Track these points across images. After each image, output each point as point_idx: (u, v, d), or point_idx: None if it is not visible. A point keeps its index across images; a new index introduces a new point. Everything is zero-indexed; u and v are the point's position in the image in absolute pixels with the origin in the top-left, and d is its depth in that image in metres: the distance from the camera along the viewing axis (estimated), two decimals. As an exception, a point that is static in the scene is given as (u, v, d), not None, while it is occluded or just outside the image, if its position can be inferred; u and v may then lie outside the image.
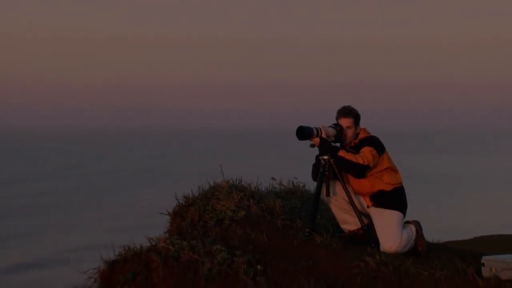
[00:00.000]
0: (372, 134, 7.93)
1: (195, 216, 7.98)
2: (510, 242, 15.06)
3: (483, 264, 6.95)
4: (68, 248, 27.68)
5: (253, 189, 8.62)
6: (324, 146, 7.65)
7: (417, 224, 7.80)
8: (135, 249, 7.23)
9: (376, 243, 7.57)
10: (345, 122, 7.79)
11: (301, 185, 9.49)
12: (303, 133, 7.60)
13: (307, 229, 7.66)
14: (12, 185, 56.24)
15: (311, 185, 9.38)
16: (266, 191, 9.03)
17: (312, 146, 7.76)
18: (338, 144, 7.85)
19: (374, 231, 7.67)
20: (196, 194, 8.47)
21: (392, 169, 7.77)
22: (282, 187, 9.36)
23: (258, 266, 6.99)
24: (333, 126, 7.80)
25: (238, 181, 8.70)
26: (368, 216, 7.82)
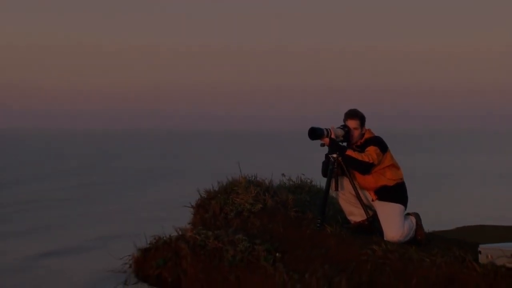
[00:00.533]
0: (376, 134, 7.97)
1: (216, 209, 8.04)
2: (489, 231, 15.07)
3: (480, 252, 7.02)
4: (94, 237, 27.50)
5: (268, 184, 8.64)
6: (333, 146, 7.72)
7: (417, 216, 7.89)
8: (165, 238, 7.28)
9: (380, 233, 7.63)
10: (352, 123, 7.86)
11: (308, 180, 9.49)
12: (315, 133, 7.67)
13: (319, 220, 7.74)
14: (45, 179, 56.08)
15: (318, 181, 9.50)
16: (277, 186, 9.00)
17: (322, 145, 7.81)
18: (345, 144, 7.88)
19: (378, 222, 7.73)
20: (216, 189, 8.47)
21: (394, 166, 7.85)
22: (291, 182, 9.35)
23: (277, 254, 7.08)
24: (341, 127, 7.86)
25: (254, 177, 8.72)
26: (372, 209, 7.84)
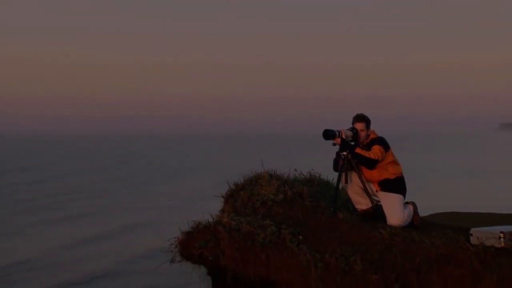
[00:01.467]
0: (379, 135, 8.04)
1: (245, 198, 8.10)
2: (463, 217, 15.18)
3: (471, 234, 7.12)
4: (134, 223, 27.42)
5: (286, 178, 8.67)
6: (344, 145, 7.80)
7: (414, 204, 8.01)
8: (204, 223, 7.31)
9: (383, 219, 7.74)
10: (359, 126, 7.95)
11: (317, 175, 9.52)
12: (328, 134, 7.76)
13: (332, 209, 7.82)
14: (82, 174, 56.10)
15: (325, 175, 9.55)
16: (292, 179, 9.03)
17: (334, 144, 7.91)
18: (353, 143, 7.93)
19: (382, 210, 7.82)
20: (243, 182, 8.51)
21: (395, 162, 7.95)
22: (302, 176, 9.38)
23: (300, 237, 7.15)
24: (350, 129, 7.96)
25: (274, 172, 8.76)
26: (376, 199, 7.95)
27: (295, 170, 9.47)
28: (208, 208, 8.33)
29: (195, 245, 7.08)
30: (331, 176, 9.13)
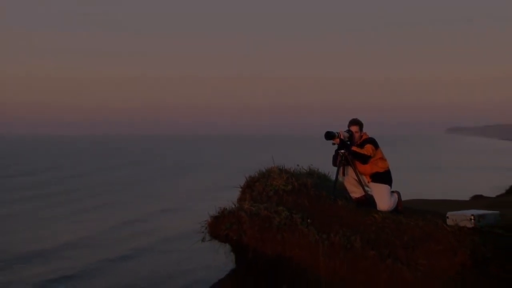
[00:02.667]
0: (370, 136, 8.03)
1: (260, 188, 8.10)
2: (431, 204, 15.08)
3: (448, 217, 7.10)
4: (163, 209, 27.27)
5: (293, 172, 8.60)
6: (342, 144, 7.73)
7: (398, 193, 8.01)
8: (229, 209, 7.24)
9: (374, 205, 7.72)
10: (354, 128, 7.94)
11: (316, 169, 9.43)
12: (329, 135, 7.76)
13: (332, 197, 7.73)
14: (109, 170, 55.94)
15: (323, 169, 9.46)
16: (297, 173, 8.94)
17: (333, 144, 7.86)
18: (349, 143, 7.87)
19: (372, 198, 7.78)
20: (257, 175, 8.43)
21: (383, 158, 7.94)
22: (303, 170, 9.30)
23: (308, 220, 7.11)
24: (346, 131, 7.90)
25: (282, 167, 8.68)
26: (368, 188, 7.91)
27: (298, 165, 9.40)
28: (226, 197, 8.35)
29: (222, 227, 7.10)
30: (327, 170, 9.11)
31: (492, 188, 28.83)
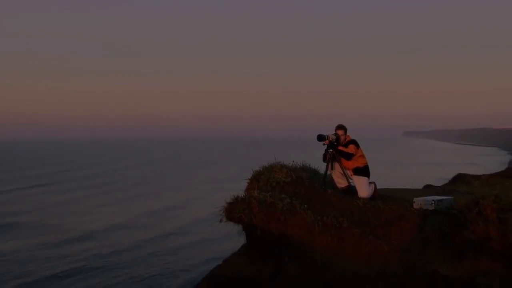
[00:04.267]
0: (352, 138, 7.88)
1: (265, 180, 7.89)
2: (395, 192, 14.79)
3: (414, 202, 6.92)
4: (187, 198, 26.99)
5: (291, 166, 8.37)
6: (331, 144, 7.60)
7: (375, 184, 7.89)
8: (241, 196, 7.05)
9: (356, 193, 7.58)
10: (340, 132, 7.83)
11: (309, 164, 9.18)
12: (321, 137, 7.62)
13: (323, 187, 7.58)
14: (136, 168, 55.50)
15: (314, 165, 9.23)
16: (294, 168, 8.69)
17: (324, 144, 7.69)
18: (336, 143, 7.71)
19: (354, 187, 7.64)
20: (262, 169, 8.21)
21: (363, 156, 7.84)
22: (298, 166, 9.05)
23: (305, 205, 6.96)
24: (334, 134, 7.75)
25: (283, 163, 8.45)
26: (351, 180, 7.76)
27: (293, 161, 9.19)
28: (237, 187, 8.17)
29: (235, 211, 7.00)
30: (317, 165, 8.91)
31: (438, 178, 28.64)
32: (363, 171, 7.65)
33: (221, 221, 7.05)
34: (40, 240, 16.46)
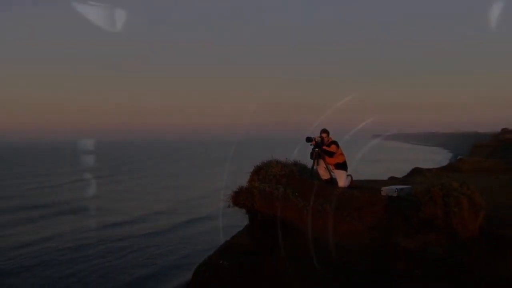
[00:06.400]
0: (334, 139, 7.86)
1: (264, 173, 7.79)
2: (367, 182, 14.73)
3: (382, 190, 6.92)
4: (213, 188, 26.89)
5: (285, 163, 8.34)
6: (316, 145, 7.60)
7: (351, 176, 7.82)
8: (245, 187, 7.02)
9: (336, 184, 7.54)
10: (324, 135, 7.82)
11: (298, 161, 9.14)
12: (309, 139, 7.62)
13: (310, 179, 7.55)
14: (156, 165, 55.24)
15: (303, 161, 9.21)
16: (286, 163, 8.65)
17: (311, 145, 7.69)
18: (320, 144, 7.71)
19: (335, 179, 7.61)
20: (261, 165, 8.16)
21: (342, 154, 7.83)
22: (290, 161, 9.00)
23: (296, 193, 6.93)
24: (319, 136, 7.75)
25: (278, 160, 8.41)
26: (332, 173, 7.74)
27: (286, 158, 9.17)
28: (241, 179, 8.11)
29: (240, 198, 6.98)
30: (305, 162, 8.88)
31: (399, 171, 28.65)
32: (342, 166, 7.67)
33: (229, 206, 7.03)
34: (98, 220, 16.66)
